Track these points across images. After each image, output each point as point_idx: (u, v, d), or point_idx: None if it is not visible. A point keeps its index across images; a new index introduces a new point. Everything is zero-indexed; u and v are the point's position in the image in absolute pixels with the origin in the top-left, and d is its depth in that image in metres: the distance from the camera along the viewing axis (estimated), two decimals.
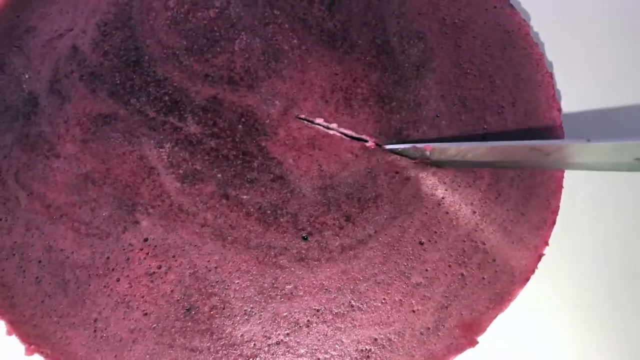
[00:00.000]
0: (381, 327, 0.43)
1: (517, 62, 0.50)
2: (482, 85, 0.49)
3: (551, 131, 0.48)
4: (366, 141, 0.46)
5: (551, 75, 0.50)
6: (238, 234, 0.44)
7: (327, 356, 0.42)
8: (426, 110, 0.48)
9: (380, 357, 0.42)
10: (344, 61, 0.49)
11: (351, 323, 0.43)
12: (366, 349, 0.42)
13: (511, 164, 0.45)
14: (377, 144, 0.46)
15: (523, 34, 0.51)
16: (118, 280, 0.44)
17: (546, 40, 0.53)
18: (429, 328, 0.43)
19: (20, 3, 0.51)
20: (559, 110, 0.49)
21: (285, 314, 0.43)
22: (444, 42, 0.50)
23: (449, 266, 0.44)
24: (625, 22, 0.54)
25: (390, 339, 0.43)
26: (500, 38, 0.51)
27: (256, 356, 0.42)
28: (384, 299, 0.43)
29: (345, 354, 0.42)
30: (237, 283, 0.43)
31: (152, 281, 0.44)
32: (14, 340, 0.43)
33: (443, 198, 0.46)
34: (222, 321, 0.43)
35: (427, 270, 0.44)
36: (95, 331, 0.43)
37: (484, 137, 0.47)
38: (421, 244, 0.45)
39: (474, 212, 0.46)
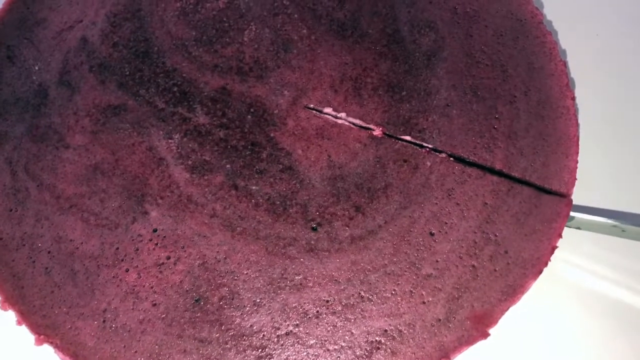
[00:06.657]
0: (391, 318, 0.42)
1: (530, 51, 0.49)
2: (494, 74, 0.48)
3: (565, 121, 0.47)
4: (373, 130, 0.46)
5: (565, 64, 0.49)
6: (247, 225, 0.44)
7: (336, 347, 0.42)
8: (437, 100, 0.47)
9: (390, 348, 0.42)
10: (353, 50, 0.48)
11: (361, 314, 0.42)
12: (376, 340, 0.42)
13: None
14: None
15: (536, 23, 0.50)
16: (127, 270, 0.44)
17: (559, 28, 0.52)
18: (439, 320, 0.42)
19: None
20: (573, 99, 0.48)
21: (294, 304, 0.43)
22: (456, 31, 0.49)
23: (460, 257, 0.44)
24: None
25: (400, 331, 0.42)
26: (512, 27, 0.50)
27: (265, 347, 0.42)
28: (394, 290, 0.43)
29: (355, 345, 0.42)
30: (246, 274, 0.43)
31: (161, 272, 0.43)
32: (24, 330, 0.44)
33: (453, 189, 0.45)
34: (231, 312, 0.42)
35: (437, 261, 0.44)
36: (104, 321, 0.43)
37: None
38: (431, 234, 0.44)
39: (486, 204, 0.45)
